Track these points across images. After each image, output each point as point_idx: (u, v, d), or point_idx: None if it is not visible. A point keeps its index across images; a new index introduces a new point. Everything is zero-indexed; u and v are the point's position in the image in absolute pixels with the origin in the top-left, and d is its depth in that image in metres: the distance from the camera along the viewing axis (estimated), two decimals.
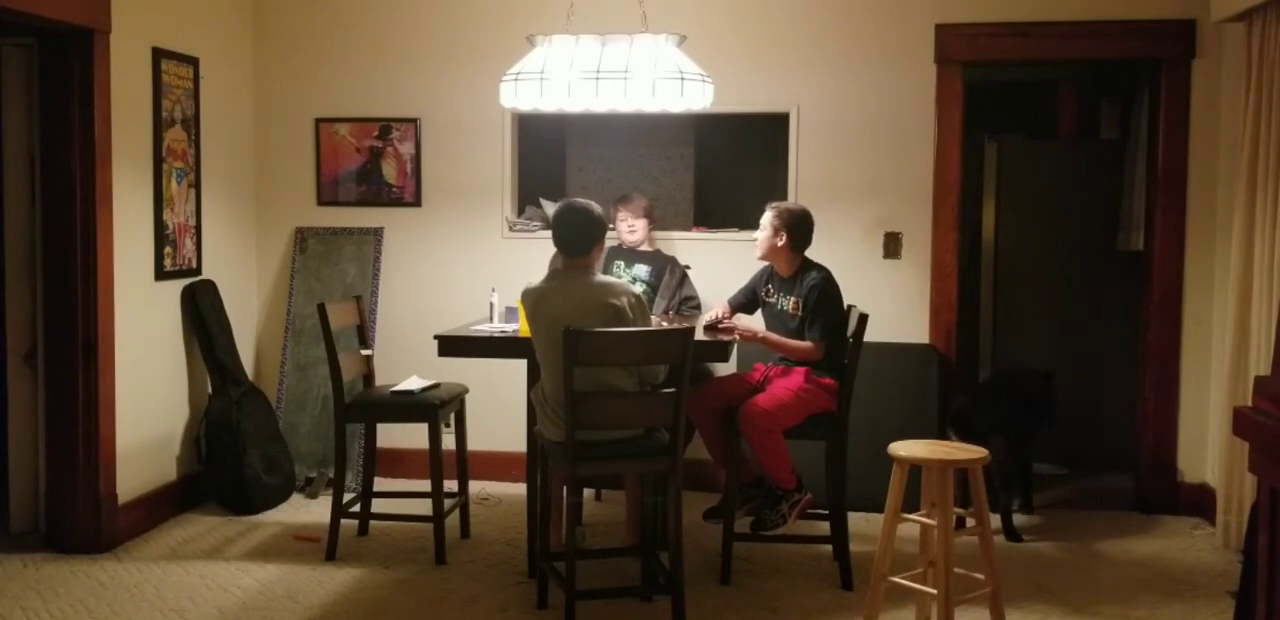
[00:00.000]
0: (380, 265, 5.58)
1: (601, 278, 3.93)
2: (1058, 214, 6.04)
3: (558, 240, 3.92)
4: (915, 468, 3.53)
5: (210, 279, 5.20)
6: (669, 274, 5.08)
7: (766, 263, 4.45)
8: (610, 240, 5.04)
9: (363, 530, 4.71)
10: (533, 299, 3.89)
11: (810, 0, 5.28)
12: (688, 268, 5.16)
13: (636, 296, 3.85)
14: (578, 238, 3.87)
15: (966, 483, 3.58)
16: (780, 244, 4.30)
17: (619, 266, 5.13)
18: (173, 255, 4.92)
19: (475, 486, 5.18)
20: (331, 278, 5.57)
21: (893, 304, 5.21)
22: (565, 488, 4.06)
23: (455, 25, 5.50)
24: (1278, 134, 4.27)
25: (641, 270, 5.11)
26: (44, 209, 4.46)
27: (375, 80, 5.56)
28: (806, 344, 4.23)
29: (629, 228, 5.14)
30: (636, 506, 4.19)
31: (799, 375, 4.24)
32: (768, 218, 4.33)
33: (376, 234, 5.59)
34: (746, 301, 4.59)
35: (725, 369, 4.91)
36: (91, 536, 4.44)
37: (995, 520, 4.57)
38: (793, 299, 4.30)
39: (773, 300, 4.42)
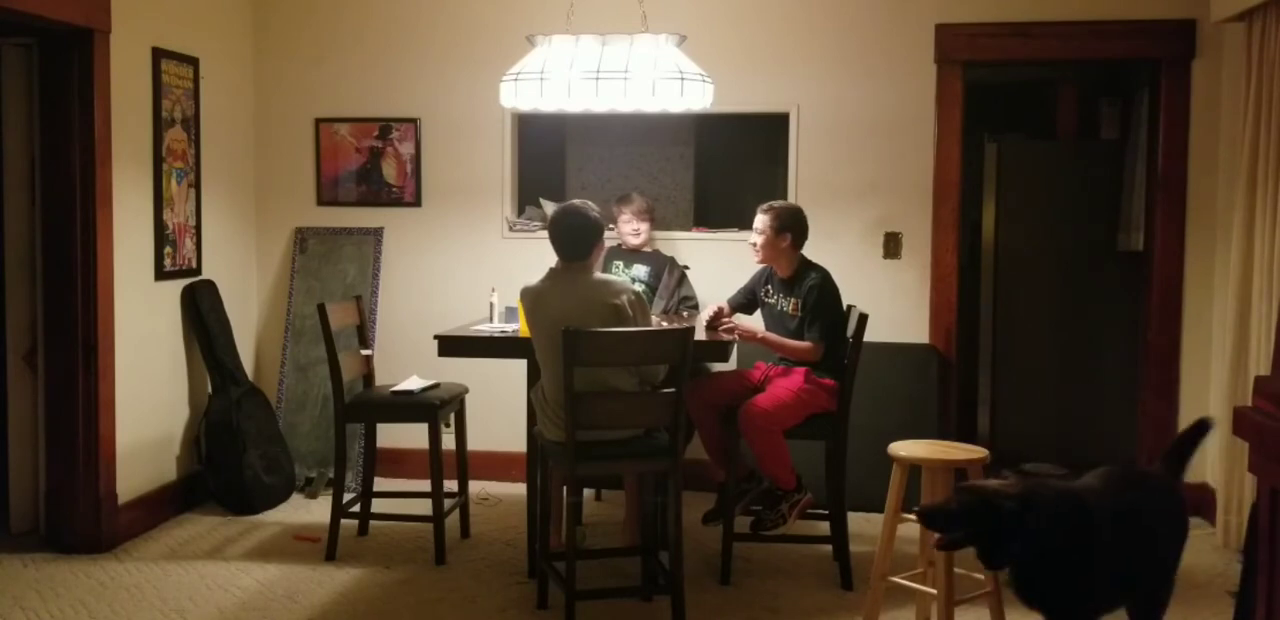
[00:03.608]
0: (380, 265, 5.58)
1: (601, 276, 3.93)
2: (1058, 214, 6.04)
3: (556, 243, 3.90)
4: (915, 468, 3.53)
5: (210, 279, 5.20)
6: (668, 274, 5.08)
7: (765, 264, 4.45)
8: (610, 240, 5.04)
9: (363, 530, 4.71)
10: (531, 297, 3.88)
11: (810, 0, 5.28)
12: (686, 268, 5.16)
13: (636, 294, 3.84)
14: (577, 241, 3.86)
15: None
16: (785, 245, 4.30)
17: (618, 267, 5.13)
18: (173, 255, 4.92)
19: (475, 486, 5.17)
20: (331, 278, 5.58)
21: (893, 304, 5.21)
22: (565, 488, 4.05)
23: (455, 25, 5.50)
24: (1278, 134, 4.27)
25: (641, 271, 5.11)
26: (44, 209, 4.46)
27: (375, 80, 5.56)
28: (806, 344, 4.23)
29: (633, 231, 5.13)
30: (636, 507, 4.19)
31: (799, 375, 4.24)
32: (765, 220, 4.31)
33: (376, 234, 5.59)
34: (745, 302, 4.59)
35: (724, 369, 4.90)
36: (91, 536, 4.44)
37: None
38: (793, 300, 4.30)
39: (772, 301, 4.42)
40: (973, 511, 2.90)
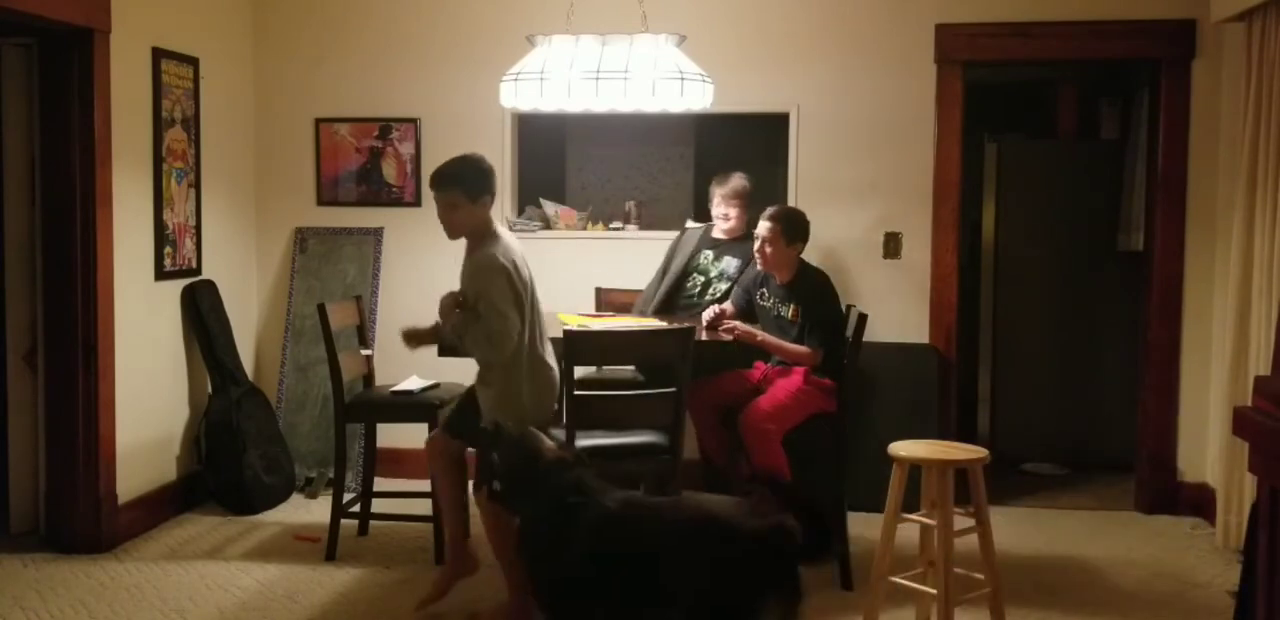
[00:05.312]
0: (380, 265, 5.57)
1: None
2: (1058, 214, 6.04)
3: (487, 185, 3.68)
4: (915, 468, 3.53)
5: (210, 279, 5.20)
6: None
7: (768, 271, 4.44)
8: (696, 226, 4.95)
9: (363, 530, 4.71)
10: (515, 263, 3.63)
11: (810, 0, 5.28)
12: None
13: None
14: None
15: (967, 482, 3.58)
16: (796, 253, 4.31)
17: (707, 257, 4.86)
18: (173, 255, 4.92)
19: None
20: (331, 278, 5.58)
21: (893, 304, 5.20)
22: None
23: (455, 25, 5.50)
24: (1278, 134, 4.27)
25: (731, 264, 4.82)
26: (44, 209, 4.46)
27: (375, 80, 5.56)
28: (805, 349, 4.23)
29: (721, 215, 4.80)
30: None
31: (798, 376, 4.24)
32: (775, 230, 4.25)
33: (376, 234, 5.59)
34: (747, 302, 4.58)
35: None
36: (91, 536, 4.44)
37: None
38: (792, 305, 4.29)
39: (768, 304, 4.41)
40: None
